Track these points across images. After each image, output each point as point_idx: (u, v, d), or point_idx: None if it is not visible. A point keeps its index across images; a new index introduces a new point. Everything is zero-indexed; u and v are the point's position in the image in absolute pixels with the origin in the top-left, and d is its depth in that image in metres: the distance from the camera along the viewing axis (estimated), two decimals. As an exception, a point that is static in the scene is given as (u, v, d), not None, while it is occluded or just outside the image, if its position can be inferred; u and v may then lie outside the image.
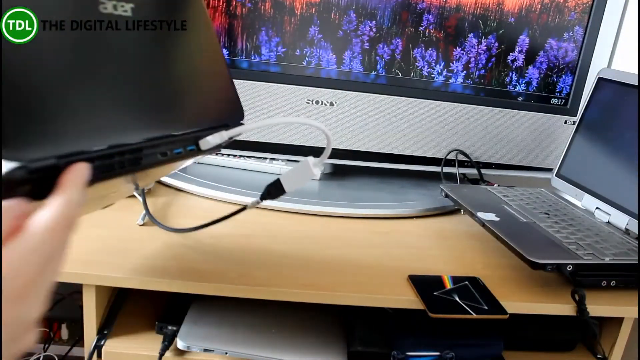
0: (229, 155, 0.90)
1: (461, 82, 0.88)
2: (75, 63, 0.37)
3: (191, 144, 0.46)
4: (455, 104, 0.88)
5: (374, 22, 0.84)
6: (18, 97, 0.32)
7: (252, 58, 0.84)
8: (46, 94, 0.34)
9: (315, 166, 0.53)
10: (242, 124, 0.52)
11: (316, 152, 0.87)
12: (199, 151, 0.47)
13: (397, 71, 0.86)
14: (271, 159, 0.91)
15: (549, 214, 0.75)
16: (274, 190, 0.56)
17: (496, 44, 0.86)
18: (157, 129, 0.43)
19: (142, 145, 0.40)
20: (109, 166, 0.38)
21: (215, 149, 0.48)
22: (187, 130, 0.46)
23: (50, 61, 0.35)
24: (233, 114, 0.53)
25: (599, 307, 0.61)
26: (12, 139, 0.31)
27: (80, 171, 0.33)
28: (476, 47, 0.86)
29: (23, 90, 0.32)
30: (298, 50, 0.84)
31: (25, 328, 0.29)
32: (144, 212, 0.71)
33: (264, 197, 0.58)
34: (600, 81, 0.82)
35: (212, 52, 0.52)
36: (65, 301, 0.93)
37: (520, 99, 0.90)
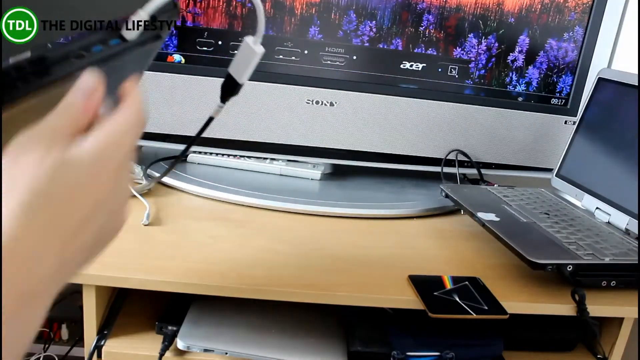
0: (229, 155, 0.90)
1: (461, 82, 0.88)
2: None
3: (114, 37, 0.36)
4: (455, 104, 0.88)
5: (374, 22, 0.84)
6: None
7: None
8: None
9: (255, 44, 0.49)
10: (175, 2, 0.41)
11: (316, 151, 0.88)
12: (138, 45, 0.38)
13: (397, 71, 0.86)
14: (271, 159, 0.91)
15: (549, 214, 0.75)
16: (230, 85, 0.52)
17: (496, 44, 0.86)
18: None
19: (45, 54, 0.32)
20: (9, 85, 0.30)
21: (156, 37, 0.39)
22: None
23: None
24: None
25: (599, 307, 0.61)
26: None
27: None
28: (476, 47, 0.86)
29: None
30: (298, 50, 0.84)
31: (123, 202, 0.32)
32: (147, 211, 0.71)
33: (223, 97, 0.53)
34: (600, 81, 0.82)
35: None
36: (65, 301, 0.92)
37: (520, 99, 0.90)
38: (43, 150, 0.26)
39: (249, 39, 0.50)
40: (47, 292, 0.27)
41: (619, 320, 0.66)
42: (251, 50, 0.50)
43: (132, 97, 0.33)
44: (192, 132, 0.60)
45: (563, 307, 0.61)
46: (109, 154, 0.29)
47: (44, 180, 0.26)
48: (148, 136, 0.85)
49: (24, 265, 0.25)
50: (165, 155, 0.90)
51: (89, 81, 0.30)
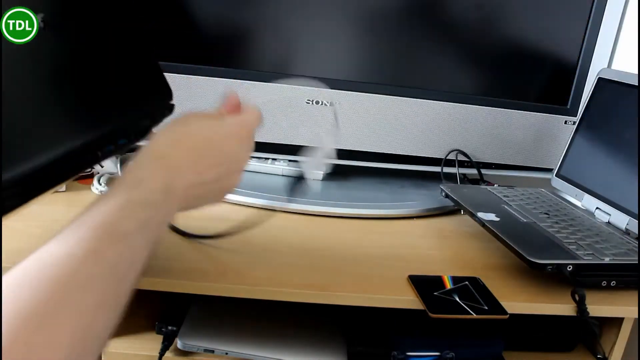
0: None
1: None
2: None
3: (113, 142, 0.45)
4: (455, 104, 0.88)
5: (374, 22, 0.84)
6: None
7: (252, 58, 0.84)
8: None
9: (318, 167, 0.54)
10: (172, 104, 0.50)
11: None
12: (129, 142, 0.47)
13: (397, 71, 0.86)
14: (272, 159, 0.91)
15: (549, 214, 0.75)
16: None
17: (496, 44, 0.86)
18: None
19: (60, 159, 0.39)
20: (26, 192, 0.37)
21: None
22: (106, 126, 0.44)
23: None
24: (157, 96, 0.50)
25: (599, 307, 0.61)
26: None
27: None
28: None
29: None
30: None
31: (239, 167, 0.49)
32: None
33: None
34: (600, 81, 0.82)
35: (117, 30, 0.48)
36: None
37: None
38: (200, 120, 0.45)
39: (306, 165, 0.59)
40: (182, 193, 0.41)
41: (619, 320, 0.66)
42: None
43: (250, 109, 0.50)
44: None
45: (563, 307, 0.61)
46: (236, 129, 0.47)
47: (194, 135, 0.44)
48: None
49: (169, 168, 0.40)
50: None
51: (231, 93, 0.50)
